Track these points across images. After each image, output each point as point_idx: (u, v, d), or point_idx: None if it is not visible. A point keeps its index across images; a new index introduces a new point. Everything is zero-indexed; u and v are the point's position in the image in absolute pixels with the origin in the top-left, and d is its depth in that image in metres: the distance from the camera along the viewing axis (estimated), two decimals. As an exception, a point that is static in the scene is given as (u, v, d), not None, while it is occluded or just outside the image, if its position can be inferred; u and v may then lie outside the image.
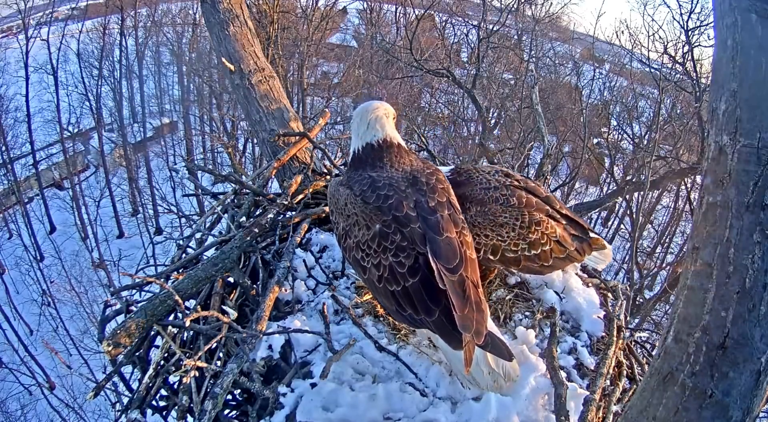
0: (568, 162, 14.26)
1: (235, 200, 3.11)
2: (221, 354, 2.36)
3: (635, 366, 2.61)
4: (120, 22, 18.76)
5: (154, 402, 2.31)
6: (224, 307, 2.42)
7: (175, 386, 2.31)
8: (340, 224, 2.08)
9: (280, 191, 3.33)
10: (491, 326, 2.00)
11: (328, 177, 3.35)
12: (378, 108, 2.20)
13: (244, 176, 3.19)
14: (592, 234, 2.49)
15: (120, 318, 2.39)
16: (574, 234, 2.41)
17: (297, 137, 3.46)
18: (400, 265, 1.85)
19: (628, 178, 12.19)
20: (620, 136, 14.75)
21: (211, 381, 2.15)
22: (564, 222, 2.39)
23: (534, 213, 2.27)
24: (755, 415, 1.32)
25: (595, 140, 15.00)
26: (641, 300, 10.40)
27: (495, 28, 11.44)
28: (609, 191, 13.85)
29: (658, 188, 12.72)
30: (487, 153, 8.51)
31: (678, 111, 13.22)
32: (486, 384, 2.05)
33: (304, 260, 2.65)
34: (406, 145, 2.24)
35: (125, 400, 2.44)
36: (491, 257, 2.21)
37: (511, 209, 2.24)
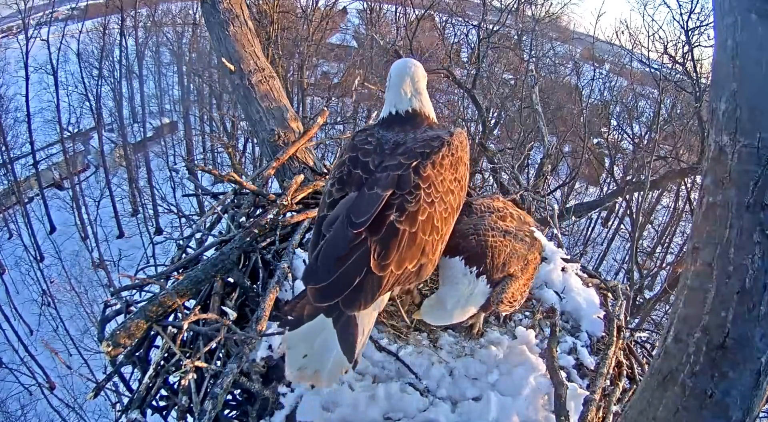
0: (568, 162, 14.25)
1: (235, 200, 3.11)
2: (221, 354, 2.36)
3: (635, 366, 2.61)
4: (120, 22, 18.73)
5: (154, 402, 2.30)
6: (224, 307, 2.41)
7: (175, 386, 2.30)
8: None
9: (280, 191, 3.33)
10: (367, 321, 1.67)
11: (327, 177, 3.35)
12: (416, 73, 2.05)
13: (244, 176, 3.18)
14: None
15: (120, 318, 2.39)
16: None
17: (296, 137, 3.47)
18: (329, 194, 1.79)
19: (628, 178, 12.19)
20: (620, 136, 14.75)
21: (210, 381, 2.15)
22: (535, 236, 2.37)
23: (537, 241, 2.31)
24: (755, 415, 1.32)
25: (595, 140, 14.98)
26: (641, 300, 10.39)
27: (495, 28, 11.44)
28: (609, 191, 13.87)
29: (658, 188, 12.71)
30: (487, 153, 8.50)
31: (678, 111, 13.21)
32: (292, 363, 1.68)
33: (304, 260, 2.65)
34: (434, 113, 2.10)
35: (125, 400, 2.44)
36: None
37: (533, 248, 2.24)
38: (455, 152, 1.84)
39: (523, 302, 2.25)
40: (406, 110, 2.00)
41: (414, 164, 1.73)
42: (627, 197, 11.05)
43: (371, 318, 1.70)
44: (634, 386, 2.46)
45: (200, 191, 5.13)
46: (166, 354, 2.28)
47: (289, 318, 1.59)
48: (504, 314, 2.57)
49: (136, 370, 2.46)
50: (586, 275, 2.99)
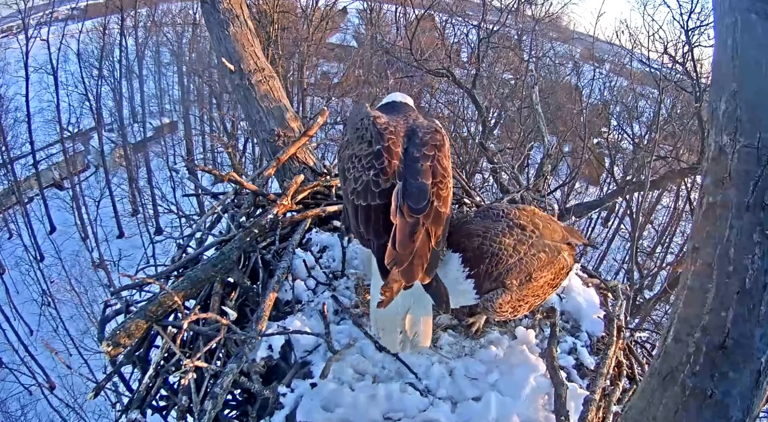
0: (568, 162, 14.24)
1: (235, 200, 3.11)
2: (221, 354, 2.36)
3: (635, 366, 2.61)
4: (120, 22, 18.72)
5: (154, 402, 2.30)
6: (224, 307, 2.42)
7: (175, 386, 2.30)
8: (347, 134, 2.26)
9: (280, 191, 3.33)
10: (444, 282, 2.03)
11: (327, 177, 3.35)
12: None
13: (244, 176, 3.18)
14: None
15: (120, 318, 2.39)
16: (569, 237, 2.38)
17: (296, 137, 3.47)
18: (376, 184, 2.00)
19: (628, 178, 12.18)
20: (620, 136, 14.73)
21: (210, 381, 2.15)
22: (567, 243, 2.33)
23: (559, 249, 2.21)
24: (755, 415, 1.32)
25: (595, 140, 14.97)
26: (641, 300, 10.40)
27: (495, 28, 11.43)
28: (609, 191, 13.85)
29: (658, 188, 12.71)
30: (487, 153, 8.50)
31: (678, 111, 13.21)
32: (389, 339, 2.11)
33: (304, 260, 2.65)
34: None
35: (125, 400, 2.44)
36: (526, 313, 2.28)
37: (548, 264, 2.14)
38: (448, 144, 2.21)
39: (520, 315, 2.22)
40: (398, 101, 2.45)
41: (437, 156, 2.07)
42: (627, 197, 11.05)
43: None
44: (634, 386, 2.46)
45: (200, 191, 5.13)
46: (166, 354, 2.28)
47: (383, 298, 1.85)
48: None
49: (136, 370, 2.46)
50: (586, 275, 2.99)
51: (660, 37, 11.06)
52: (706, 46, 9.09)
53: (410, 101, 2.50)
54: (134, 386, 2.41)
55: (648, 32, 11.38)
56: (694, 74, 8.85)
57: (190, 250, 2.90)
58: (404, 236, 1.86)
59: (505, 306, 2.05)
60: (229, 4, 3.69)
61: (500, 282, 2.04)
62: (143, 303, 2.39)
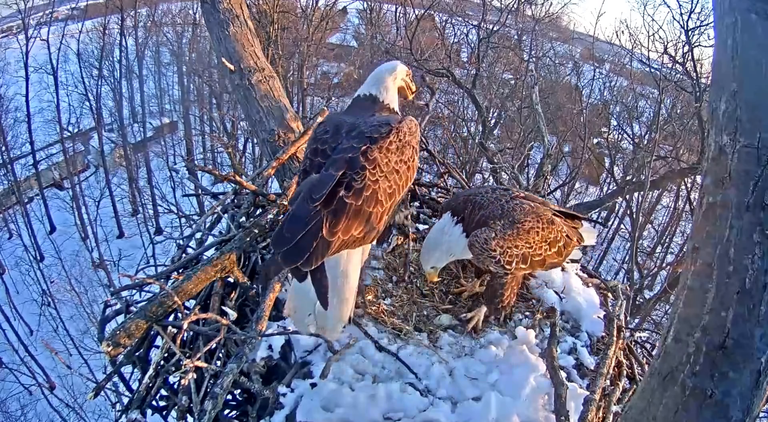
0: (568, 162, 14.24)
1: (235, 200, 3.11)
2: (221, 354, 2.36)
3: (635, 366, 2.61)
4: (120, 22, 18.71)
5: (154, 402, 2.31)
6: (224, 307, 2.42)
7: (175, 386, 2.30)
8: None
9: (280, 191, 3.33)
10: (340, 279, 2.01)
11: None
12: (386, 70, 2.38)
13: (244, 176, 3.17)
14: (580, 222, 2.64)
15: (120, 318, 2.39)
16: (571, 226, 2.52)
17: (296, 137, 3.46)
18: (298, 183, 2.13)
19: (628, 178, 12.17)
20: (620, 136, 14.72)
21: (210, 381, 2.15)
22: (561, 216, 2.50)
23: (546, 213, 2.38)
24: (755, 415, 1.32)
25: (595, 140, 14.97)
26: (641, 300, 10.39)
27: (495, 28, 11.42)
28: (609, 191, 13.85)
29: (658, 188, 12.70)
30: (487, 153, 8.49)
31: (678, 111, 13.20)
32: (300, 322, 2.08)
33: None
34: (398, 105, 2.40)
35: (125, 400, 2.44)
36: (523, 266, 2.30)
37: (531, 214, 2.32)
38: (402, 137, 2.12)
39: (515, 266, 2.27)
40: (365, 94, 2.34)
41: (363, 148, 2.03)
42: (627, 197, 11.04)
43: (349, 268, 2.04)
44: (634, 386, 2.46)
45: (200, 191, 5.13)
46: (166, 354, 2.28)
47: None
48: (504, 313, 2.57)
49: (136, 370, 2.47)
50: (586, 275, 3.00)
51: (660, 37, 11.08)
52: (706, 46, 9.09)
53: (383, 91, 2.35)
54: (134, 386, 2.41)
55: (648, 32, 11.39)
56: (694, 74, 8.84)
57: (190, 250, 2.90)
58: (293, 221, 1.87)
59: (492, 243, 2.20)
60: (229, 4, 3.69)
61: (483, 223, 2.26)
62: (143, 303, 2.39)
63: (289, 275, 2.14)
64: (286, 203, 2.85)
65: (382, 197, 2.02)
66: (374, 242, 2.31)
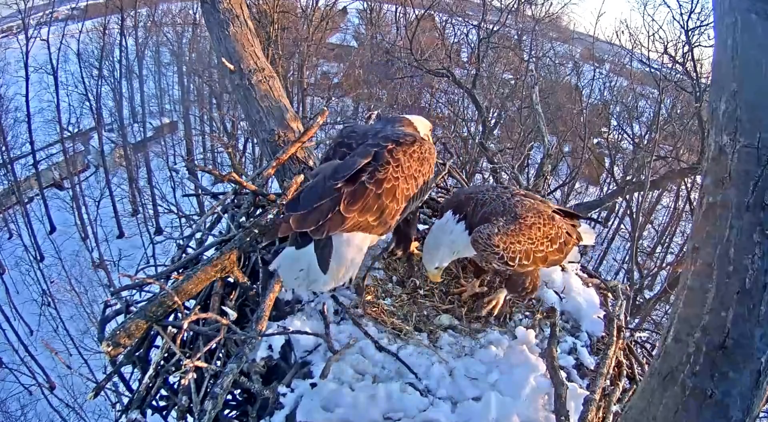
0: (568, 162, 14.23)
1: (235, 200, 3.11)
2: (221, 354, 2.36)
3: (635, 366, 2.61)
4: (120, 22, 18.70)
5: (154, 402, 2.31)
6: (224, 307, 2.42)
7: (175, 386, 2.30)
8: None
9: (280, 191, 3.33)
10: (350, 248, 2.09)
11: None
12: (428, 125, 2.73)
13: (244, 176, 3.17)
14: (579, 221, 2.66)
15: (120, 318, 2.39)
16: (570, 224, 2.54)
17: (296, 137, 3.46)
18: (326, 159, 2.27)
19: (628, 178, 12.17)
20: (620, 136, 14.72)
21: (210, 381, 2.15)
22: (560, 214, 2.53)
23: (547, 210, 2.40)
24: (755, 415, 1.32)
25: (595, 140, 14.97)
26: (641, 300, 10.39)
27: (495, 28, 11.43)
28: (609, 191, 13.84)
29: (658, 188, 12.70)
30: (487, 153, 8.49)
31: (678, 111, 13.20)
32: (288, 277, 2.15)
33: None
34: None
35: (125, 400, 2.44)
36: (526, 262, 2.30)
37: (533, 210, 2.34)
38: (424, 152, 2.24)
39: (517, 261, 2.28)
40: (407, 119, 2.53)
41: (390, 146, 2.15)
42: (627, 197, 11.04)
43: (351, 250, 2.10)
44: (634, 386, 2.46)
45: (200, 191, 5.13)
46: (166, 354, 2.28)
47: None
48: (504, 312, 2.58)
49: (136, 370, 2.47)
50: (586, 275, 3.00)
51: (660, 37, 11.07)
52: (706, 46, 9.10)
53: (418, 121, 2.58)
54: (134, 386, 2.41)
55: (648, 32, 11.40)
56: (694, 74, 8.84)
57: (190, 250, 2.90)
58: (311, 193, 2.00)
59: (495, 239, 2.22)
60: (229, 4, 3.69)
61: (486, 220, 2.28)
62: (143, 303, 2.39)
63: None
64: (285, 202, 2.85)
65: (399, 196, 2.11)
66: (393, 246, 2.67)
